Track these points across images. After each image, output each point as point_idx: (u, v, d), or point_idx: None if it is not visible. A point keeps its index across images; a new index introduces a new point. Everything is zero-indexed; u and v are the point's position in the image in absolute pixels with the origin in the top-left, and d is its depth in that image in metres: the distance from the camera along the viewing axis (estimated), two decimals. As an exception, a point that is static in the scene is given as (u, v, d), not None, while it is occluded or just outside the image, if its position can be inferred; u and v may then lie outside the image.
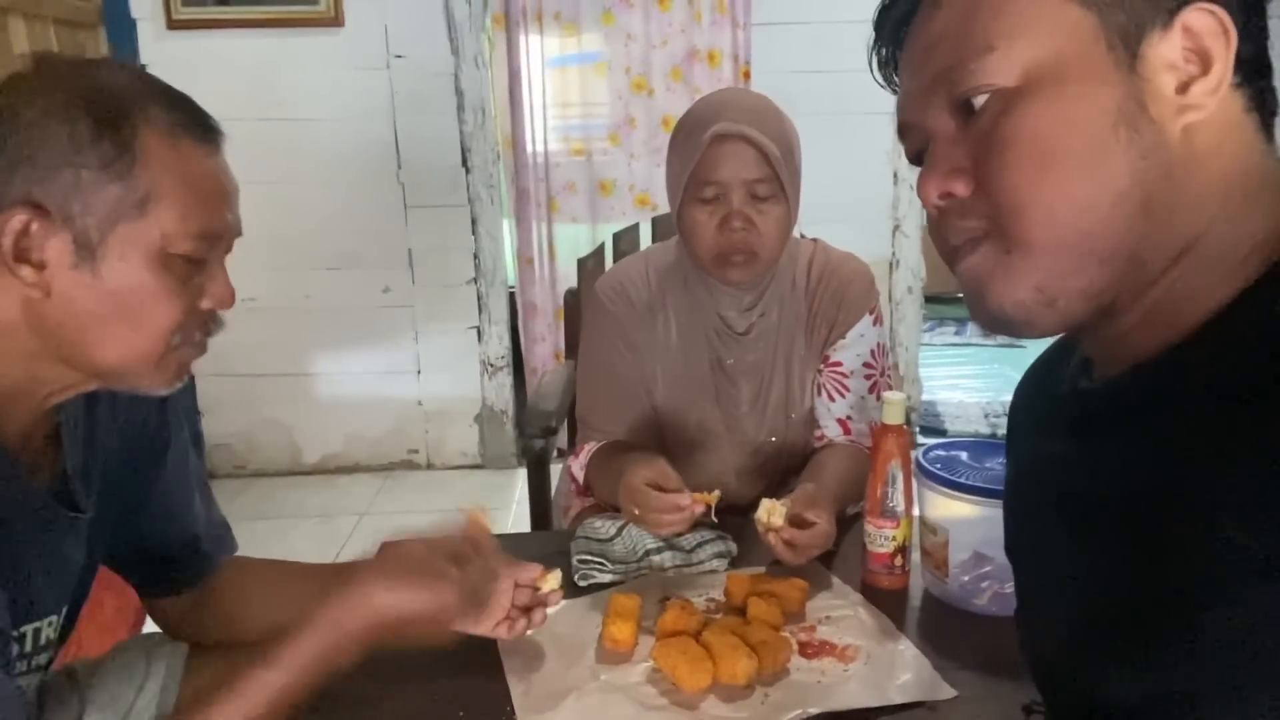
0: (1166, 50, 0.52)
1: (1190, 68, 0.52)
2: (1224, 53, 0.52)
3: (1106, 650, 0.57)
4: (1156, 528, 0.52)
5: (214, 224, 0.79)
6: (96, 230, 0.74)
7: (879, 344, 1.40)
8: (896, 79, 0.64)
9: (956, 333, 5.07)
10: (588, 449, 1.40)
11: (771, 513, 1.10)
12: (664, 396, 1.40)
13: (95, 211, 0.73)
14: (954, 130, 0.57)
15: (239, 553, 1.07)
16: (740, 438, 1.40)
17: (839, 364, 1.39)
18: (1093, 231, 0.53)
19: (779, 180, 1.23)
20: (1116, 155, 0.52)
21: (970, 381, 4.28)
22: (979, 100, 0.55)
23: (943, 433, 3.60)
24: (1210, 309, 0.53)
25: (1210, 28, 0.52)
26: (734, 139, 1.21)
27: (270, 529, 2.93)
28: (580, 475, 1.38)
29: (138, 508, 0.95)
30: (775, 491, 1.37)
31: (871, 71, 0.66)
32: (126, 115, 0.74)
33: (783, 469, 1.41)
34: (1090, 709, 0.59)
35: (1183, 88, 0.52)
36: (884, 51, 0.65)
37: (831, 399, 1.39)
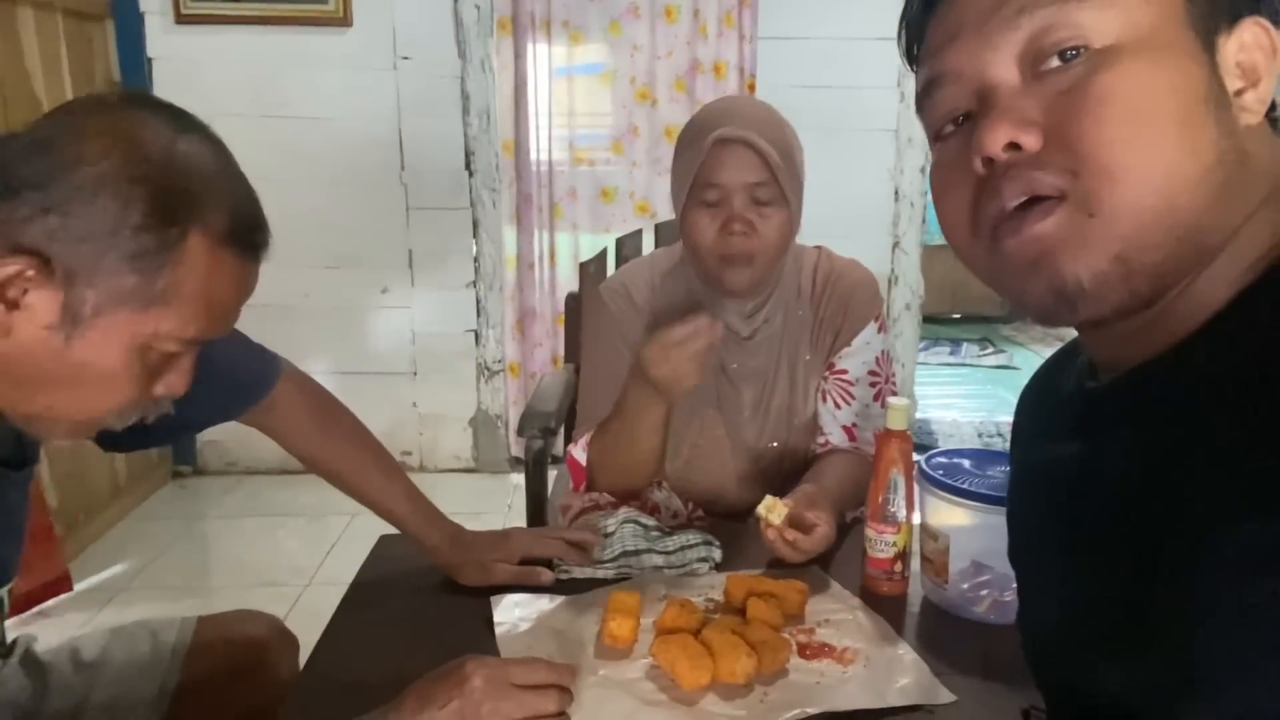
0: (1228, 53, 0.53)
1: (1237, 80, 0.53)
2: (1270, 69, 0.53)
3: (1107, 648, 0.57)
4: (1159, 525, 0.52)
5: (210, 331, 0.75)
6: (92, 308, 0.69)
7: (884, 351, 1.40)
8: (916, 45, 0.62)
9: (951, 353, 5.10)
10: (588, 436, 1.40)
11: (772, 510, 1.10)
12: None
13: (101, 292, 0.68)
14: (1020, 82, 0.55)
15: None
16: (742, 443, 1.40)
17: (844, 371, 1.39)
18: (1178, 204, 0.51)
19: (779, 185, 1.24)
20: (1208, 128, 0.52)
21: (964, 401, 4.29)
22: (1066, 56, 0.53)
23: (936, 451, 3.61)
24: (1213, 310, 0.53)
25: (1261, 43, 0.53)
26: (736, 143, 1.22)
27: (260, 527, 2.91)
28: (583, 456, 1.38)
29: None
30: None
31: (899, 37, 0.63)
32: (185, 215, 0.69)
33: (784, 475, 1.40)
34: (1090, 707, 0.60)
35: (1238, 92, 0.53)
36: (914, 5, 0.62)
37: (837, 406, 1.39)
